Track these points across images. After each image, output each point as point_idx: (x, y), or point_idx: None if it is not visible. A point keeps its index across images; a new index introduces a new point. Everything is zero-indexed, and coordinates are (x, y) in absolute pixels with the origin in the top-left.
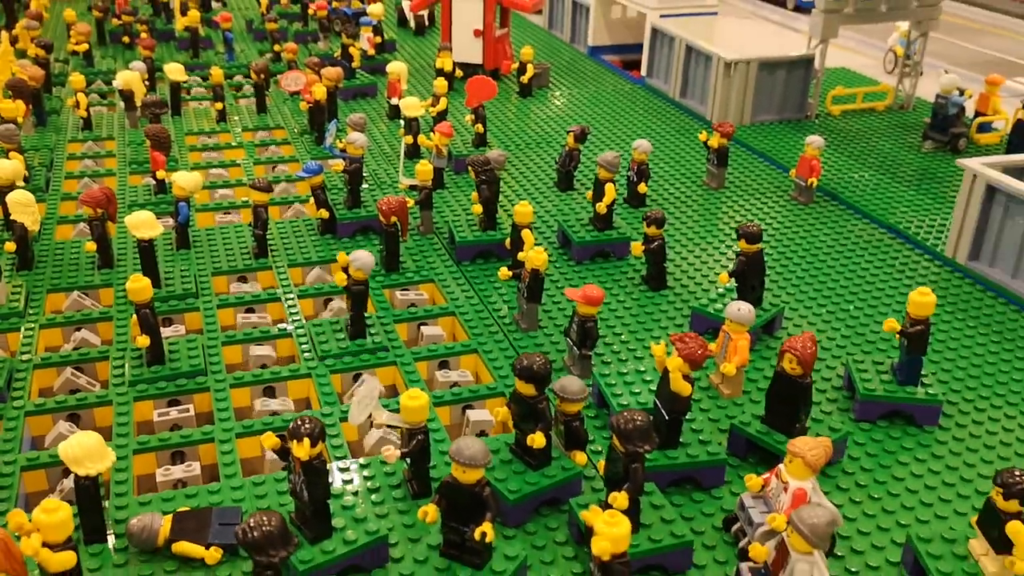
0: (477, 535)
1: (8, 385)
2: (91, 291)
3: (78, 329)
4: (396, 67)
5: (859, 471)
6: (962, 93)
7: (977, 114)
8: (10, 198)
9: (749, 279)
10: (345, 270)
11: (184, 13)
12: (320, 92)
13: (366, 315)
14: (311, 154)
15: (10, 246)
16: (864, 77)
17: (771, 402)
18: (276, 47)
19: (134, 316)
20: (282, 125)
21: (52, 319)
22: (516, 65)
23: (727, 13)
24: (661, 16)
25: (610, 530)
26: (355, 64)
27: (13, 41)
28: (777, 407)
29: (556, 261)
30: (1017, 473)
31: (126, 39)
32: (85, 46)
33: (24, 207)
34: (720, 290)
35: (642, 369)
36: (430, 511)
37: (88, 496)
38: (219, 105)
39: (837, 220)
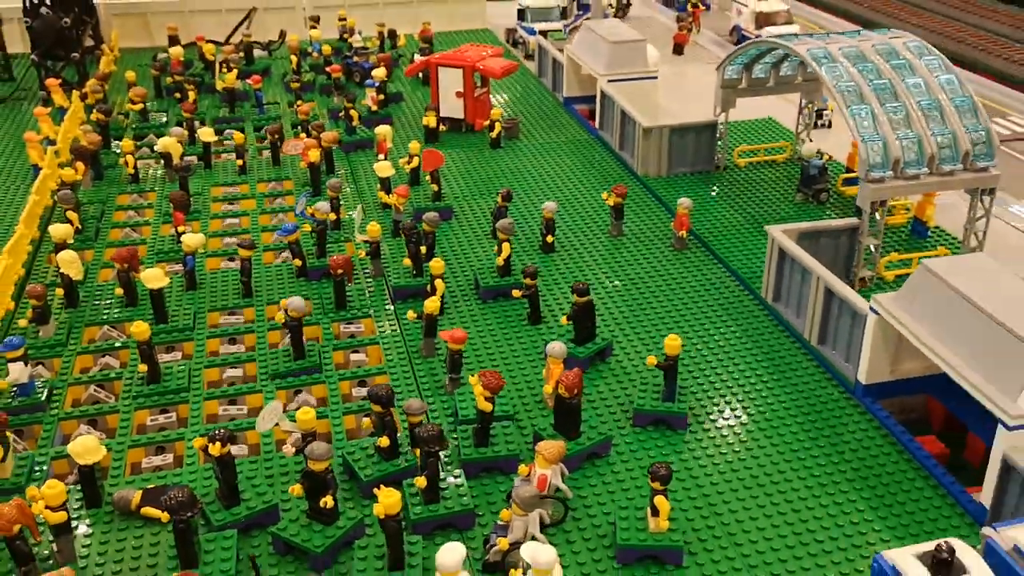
0: (322, 503)
1: (48, 398)
2: (118, 325)
3: (103, 355)
4: (382, 130)
5: (618, 462)
6: (821, 156)
7: (847, 170)
8: (59, 257)
9: (581, 321)
10: (285, 311)
11: (229, 69)
12: (315, 155)
13: (310, 345)
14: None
15: (59, 292)
16: (783, 129)
17: (556, 415)
18: (299, 103)
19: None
20: (291, 177)
21: (86, 348)
22: (487, 123)
23: (702, 59)
24: (608, 81)
25: (385, 500)
26: (354, 123)
27: (83, 97)
28: (559, 418)
29: (468, 300)
30: (659, 464)
31: (178, 95)
32: (140, 105)
33: (70, 263)
34: (567, 328)
35: None
36: (295, 489)
37: (87, 478)
38: (240, 161)
39: (698, 264)
